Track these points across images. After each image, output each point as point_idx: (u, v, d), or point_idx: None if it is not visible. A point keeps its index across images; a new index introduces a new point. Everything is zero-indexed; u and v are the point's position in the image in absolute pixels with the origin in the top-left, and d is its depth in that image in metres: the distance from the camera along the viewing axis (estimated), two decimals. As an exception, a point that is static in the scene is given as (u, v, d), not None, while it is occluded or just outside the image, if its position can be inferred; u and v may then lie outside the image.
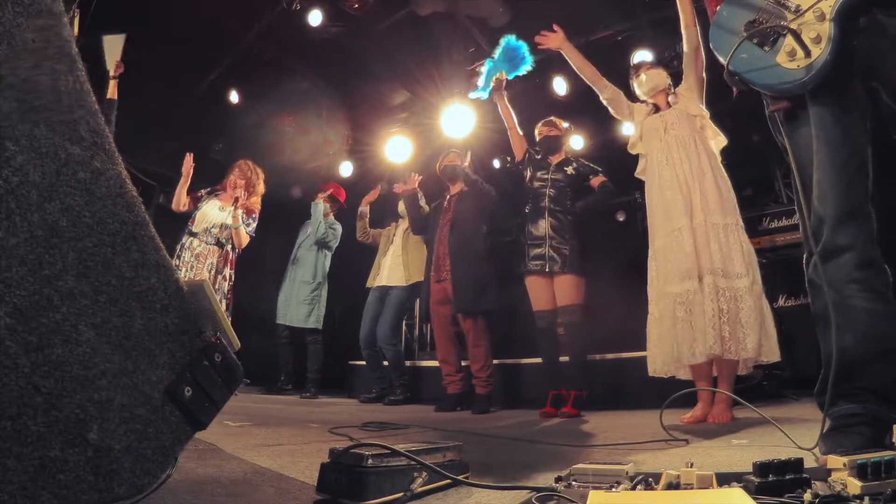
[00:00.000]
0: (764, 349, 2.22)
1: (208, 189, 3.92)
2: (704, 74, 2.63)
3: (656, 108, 2.73)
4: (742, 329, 2.22)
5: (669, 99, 2.72)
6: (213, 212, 3.79)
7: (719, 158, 2.55)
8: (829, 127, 1.23)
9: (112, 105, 3.52)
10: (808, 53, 1.21)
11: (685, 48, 2.63)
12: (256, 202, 3.96)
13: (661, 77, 2.77)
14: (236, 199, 3.78)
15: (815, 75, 1.21)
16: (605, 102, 2.87)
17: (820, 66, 1.20)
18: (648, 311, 2.50)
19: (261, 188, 4.00)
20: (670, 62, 4.08)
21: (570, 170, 3.31)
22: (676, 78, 2.77)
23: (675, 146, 2.53)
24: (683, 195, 2.43)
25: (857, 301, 1.20)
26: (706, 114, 2.60)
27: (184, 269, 3.59)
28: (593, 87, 2.87)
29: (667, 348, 2.34)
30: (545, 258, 3.16)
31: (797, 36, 1.22)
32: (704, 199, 2.39)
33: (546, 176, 3.32)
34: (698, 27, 2.57)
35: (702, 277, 2.30)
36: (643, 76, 2.77)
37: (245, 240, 3.85)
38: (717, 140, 2.58)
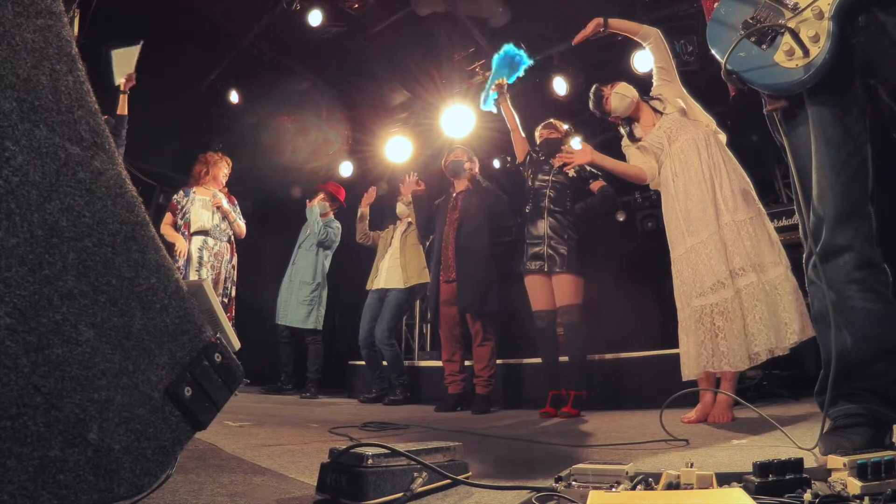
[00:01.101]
0: (806, 329, 2.20)
1: (182, 193, 3.89)
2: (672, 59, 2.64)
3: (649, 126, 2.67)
4: (788, 315, 2.21)
5: (654, 104, 2.65)
6: (206, 211, 3.80)
7: (724, 137, 2.52)
8: (829, 126, 1.23)
9: (122, 121, 3.30)
10: (806, 52, 1.20)
11: (648, 45, 2.61)
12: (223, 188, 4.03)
13: (629, 89, 2.72)
14: (214, 195, 3.83)
15: (813, 74, 1.20)
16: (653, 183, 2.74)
17: (819, 65, 1.19)
18: (678, 317, 2.47)
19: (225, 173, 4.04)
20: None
21: (571, 171, 3.32)
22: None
23: (686, 151, 2.48)
24: (704, 201, 2.39)
25: (857, 301, 1.20)
26: (689, 100, 2.57)
27: (205, 271, 3.62)
28: (643, 183, 2.76)
29: (705, 356, 2.31)
30: (544, 258, 3.16)
31: (795, 35, 1.21)
32: (725, 198, 2.36)
33: (547, 177, 3.32)
34: (643, 25, 2.64)
35: (741, 276, 2.26)
36: (612, 98, 2.70)
37: (244, 227, 3.93)
38: (707, 120, 2.55)
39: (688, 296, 2.40)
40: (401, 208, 4.52)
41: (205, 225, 3.73)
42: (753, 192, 2.42)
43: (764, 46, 1.27)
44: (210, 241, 3.72)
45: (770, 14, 1.27)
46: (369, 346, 4.29)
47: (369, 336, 4.28)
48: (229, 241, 3.83)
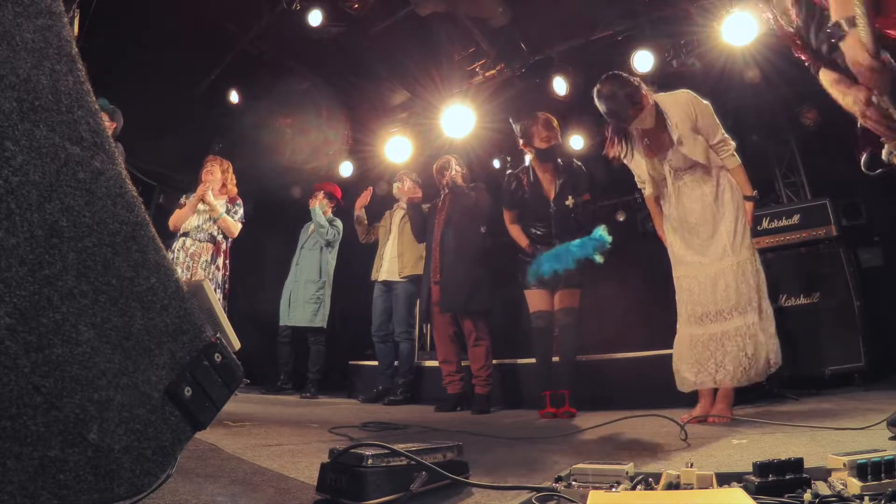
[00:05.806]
0: (775, 358, 2.31)
1: (186, 196, 3.90)
2: None
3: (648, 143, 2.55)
4: (764, 352, 2.29)
5: (670, 126, 2.42)
6: (197, 212, 3.80)
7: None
8: None
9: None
10: None
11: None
12: (232, 189, 3.95)
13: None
14: (205, 188, 3.77)
15: None
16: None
17: None
18: (678, 327, 2.53)
19: (231, 177, 3.98)
20: (669, 62, 4.09)
21: (569, 202, 3.32)
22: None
23: (686, 190, 2.49)
24: (702, 237, 2.45)
25: None
26: (724, 139, 2.46)
27: (179, 269, 3.58)
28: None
29: (694, 375, 2.39)
30: (548, 283, 3.14)
31: None
32: (729, 236, 2.39)
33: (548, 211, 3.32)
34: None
35: (739, 315, 2.32)
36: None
37: (235, 227, 3.83)
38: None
39: (682, 315, 2.49)
40: (397, 190, 4.51)
41: (188, 227, 3.72)
42: (749, 230, 2.43)
43: None
44: (188, 241, 3.68)
45: None
46: (382, 339, 4.33)
47: (381, 328, 4.32)
48: (212, 241, 3.72)
